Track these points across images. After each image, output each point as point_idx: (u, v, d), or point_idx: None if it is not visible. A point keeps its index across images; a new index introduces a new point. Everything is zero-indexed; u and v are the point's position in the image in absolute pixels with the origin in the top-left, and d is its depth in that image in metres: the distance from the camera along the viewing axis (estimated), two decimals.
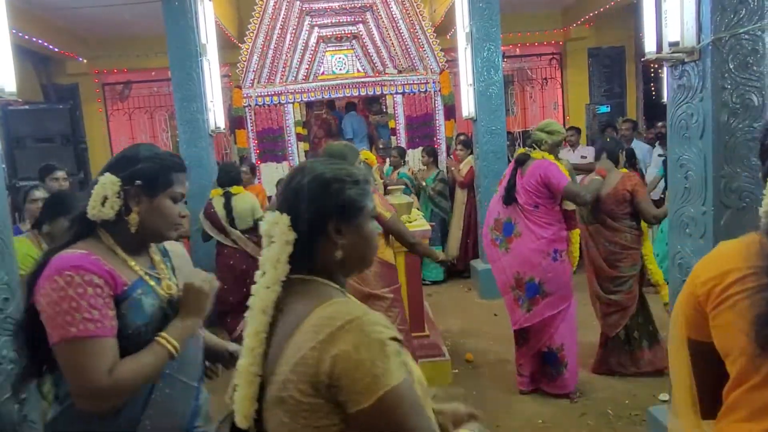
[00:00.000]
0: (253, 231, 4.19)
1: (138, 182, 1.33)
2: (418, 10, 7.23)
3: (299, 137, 7.52)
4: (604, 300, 3.65)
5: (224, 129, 5.94)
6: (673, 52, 2.12)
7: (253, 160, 7.23)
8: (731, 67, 2.01)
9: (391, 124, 7.64)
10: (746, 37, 1.99)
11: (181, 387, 1.40)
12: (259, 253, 4.07)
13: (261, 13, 7.14)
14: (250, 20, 7.24)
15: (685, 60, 2.12)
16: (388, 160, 7.24)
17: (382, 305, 2.91)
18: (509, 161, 4.25)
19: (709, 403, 1.13)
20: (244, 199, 4.31)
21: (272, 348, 1.01)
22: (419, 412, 0.95)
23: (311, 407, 0.93)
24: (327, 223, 1.05)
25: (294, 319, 1.01)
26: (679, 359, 1.19)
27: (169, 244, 1.59)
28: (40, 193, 3.01)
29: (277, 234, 1.03)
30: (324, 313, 0.98)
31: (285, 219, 1.03)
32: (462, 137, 7.07)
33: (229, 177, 4.38)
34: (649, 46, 2.25)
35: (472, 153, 6.42)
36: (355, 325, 0.94)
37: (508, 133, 7.34)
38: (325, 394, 0.92)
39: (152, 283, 1.37)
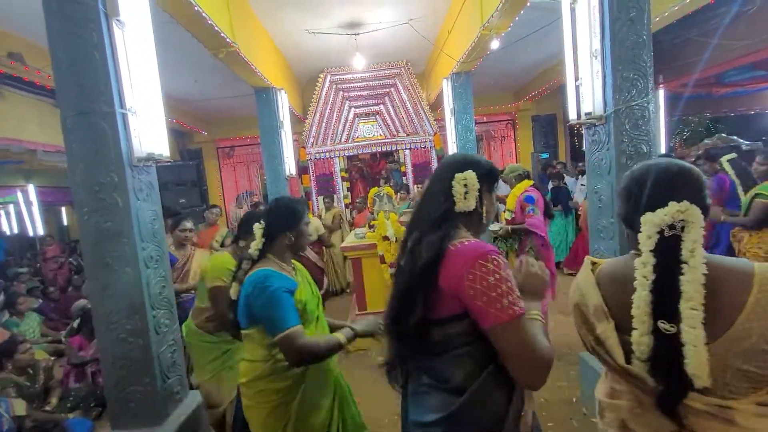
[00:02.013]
0: (314, 243, 4.26)
1: (487, 180, 1.05)
2: (418, 95, 7.33)
3: (343, 179, 7.62)
4: None
5: (295, 174, 6.06)
6: (588, 119, 2.13)
7: (313, 194, 7.35)
8: (627, 127, 2.02)
9: (402, 169, 7.69)
10: (637, 107, 2.00)
11: None
12: (317, 258, 4.06)
13: (317, 99, 7.31)
14: (310, 104, 7.41)
15: (596, 123, 2.13)
16: (399, 194, 7.16)
17: None
18: None
19: None
20: (310, 222, 4.36)
21: (716, 312, 0.77)
22: None
23: None
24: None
25: (737, 282, 0.78)
26: None
27: None
28: (189, 224, 2.64)
29: (693, 219, 0.80)
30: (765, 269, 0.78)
31: (694, 207, 0.81)
32: None
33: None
34: (572, 114, 2.26)
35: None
36: None
37: None
38: None
39: None
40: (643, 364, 0.83)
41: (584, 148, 2.38)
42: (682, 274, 0.78)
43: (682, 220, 0.80)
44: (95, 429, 2.71)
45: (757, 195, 2.71)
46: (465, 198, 0.99)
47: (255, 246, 1.50)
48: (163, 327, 2.03)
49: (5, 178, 7.90)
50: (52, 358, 3.27)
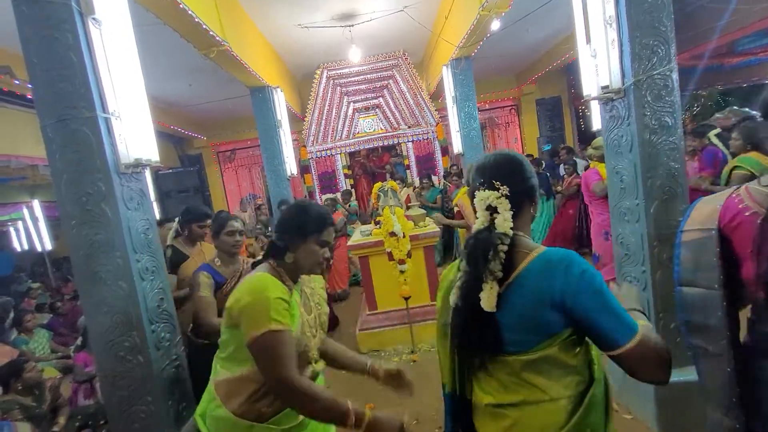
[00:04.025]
0: None
1: None
2: (418, 85, 7.16)
3: (345, 176, 7.50)
4: None
5: (297, 174, 5.95)
6: (605, 93, 1.97)
7: (316, 193, 7.25)
8: (649, 99, 1.86)
9: (405, 162, 7.55)
10: (659, 77, 1.84)
11: None
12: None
13: (315, 96, 7.17)
14: (308, 101, 7.28)
15: (614, 97, 1.97)
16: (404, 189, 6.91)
17: None
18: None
19: None
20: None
21: None
22: None
23: None
24: None
25: None
26: None
27: None
28: (237, 224, 2.14)
29: None
30: None
31: None
32: (454, 168, 6.90)
33: None
34: (587, 90, 2.10)
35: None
36: None
37: None
38: None
39: None
40: None
41: (593, 129, 2.22)
42: None
43: None
44: None
45: (735, 167, 2.70)
46: None
47: (506, 222, 0.92)
48: (164, 342, 1.92)
49: (10, 194, 7.89)
50: (60, 376, 3.20)
